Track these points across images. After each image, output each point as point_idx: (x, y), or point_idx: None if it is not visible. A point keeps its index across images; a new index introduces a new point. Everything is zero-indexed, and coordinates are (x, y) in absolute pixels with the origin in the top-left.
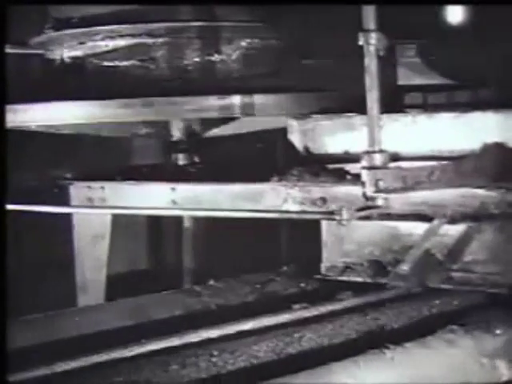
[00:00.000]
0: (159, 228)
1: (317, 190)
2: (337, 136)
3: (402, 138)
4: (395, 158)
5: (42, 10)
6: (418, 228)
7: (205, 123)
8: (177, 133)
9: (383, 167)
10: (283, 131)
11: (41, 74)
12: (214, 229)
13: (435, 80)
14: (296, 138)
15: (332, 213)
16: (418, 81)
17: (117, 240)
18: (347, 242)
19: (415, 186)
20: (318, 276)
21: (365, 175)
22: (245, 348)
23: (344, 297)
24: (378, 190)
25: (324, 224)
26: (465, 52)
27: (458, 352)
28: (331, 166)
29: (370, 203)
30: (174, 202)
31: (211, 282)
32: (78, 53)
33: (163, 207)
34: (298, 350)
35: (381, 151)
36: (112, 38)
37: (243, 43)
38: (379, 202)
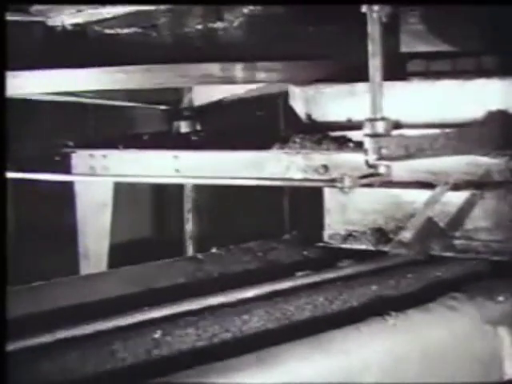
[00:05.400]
0: (162, 196)
1: (319, 158)
2: (339, 103)
3: (404, 106)
4: (398, 125)
5: None
6: (421, 196)
7: (207, 91)
8: (179, 100)
9: (386, 135)
10: (285, 98)
11: (42, 41)
12: (216, 197)
13: (438, 47)
14: (298, 105)
15: (334, 180)
16: (421, 48)
17: (119, 208)
18: (349, 209)
19: (418, 153)
20: (321, 244)
21: (367, 143)
22: (246, 315)
23: (346, 264)
24: (381, 158)
25: (326, 191)
26: (468, 19)
27: (460, 318)
28: (333, 134)
29: (372, 171)
30: (176, 170)
31: (213, 250)
32: (79, 20)
33: (166, 175)
34: (299, 318)
35: (383, 119)
36: (113, 4)
37: (245, 10)
38: (381, 170)
